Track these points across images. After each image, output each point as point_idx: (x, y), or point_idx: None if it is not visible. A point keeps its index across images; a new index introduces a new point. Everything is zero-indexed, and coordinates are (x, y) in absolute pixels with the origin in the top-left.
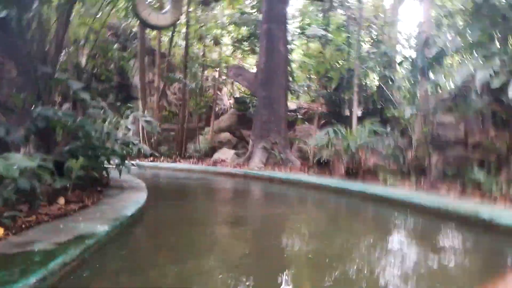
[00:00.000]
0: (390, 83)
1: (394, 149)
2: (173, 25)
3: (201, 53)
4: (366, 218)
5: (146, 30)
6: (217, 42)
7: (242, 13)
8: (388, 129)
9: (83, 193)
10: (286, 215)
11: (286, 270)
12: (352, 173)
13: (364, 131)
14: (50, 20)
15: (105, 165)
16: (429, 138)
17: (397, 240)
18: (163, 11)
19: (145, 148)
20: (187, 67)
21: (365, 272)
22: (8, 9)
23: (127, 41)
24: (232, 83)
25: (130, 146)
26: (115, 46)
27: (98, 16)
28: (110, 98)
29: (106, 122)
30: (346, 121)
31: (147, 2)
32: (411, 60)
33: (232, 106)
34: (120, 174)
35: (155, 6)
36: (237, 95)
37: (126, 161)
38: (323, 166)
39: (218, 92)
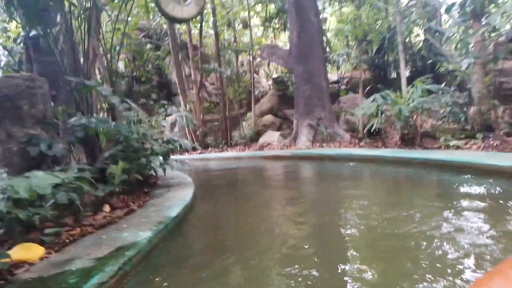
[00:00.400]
0: (437, 35)
1: (453, 107)
2: (199, 15)
3: (232, 39)
4: (435, 190)
5: (175, 25)
6: (246, 25)
7: None
8: (443, 85)
9: (129, 197)
10: (351, 196)
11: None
12: (408, 140)
13: (415, 92)
14: (77, 31)
15: (150, 165)
16: (492, 88)
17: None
18: (187, 2)
19: (186, 143)
20: (220, 56)
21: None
22: (33, 27)
23: (160, 40)
24: (269, 64)
25: (171, 143)
26: (149, 46)
27: (128, 20)
28: (152, 97)
29: (143, 123)
30: (394, 85)
31: None
32: (460, 3)
33: (271, 87)
34: (164, 172)
35: None
36: (275, 76)
37: (169, 159)
38: (375, 136)
39: (255, 75)
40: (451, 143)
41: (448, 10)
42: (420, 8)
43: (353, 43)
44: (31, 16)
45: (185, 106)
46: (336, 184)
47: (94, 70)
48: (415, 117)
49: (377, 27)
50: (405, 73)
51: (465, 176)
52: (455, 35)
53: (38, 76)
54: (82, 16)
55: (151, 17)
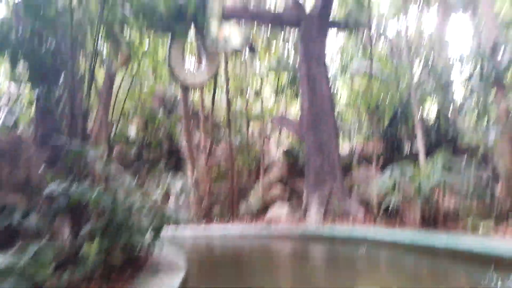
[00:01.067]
0: (452, 107)
1: (477, 183)
2: (210, 80)
3: (244, 107)
4: None
5: (188, 92)
6: (258, 93)
7: (279, 59)
8: (464, 161)
9: (108, 282)
10: None
11: None
12: (429, 219)
13: (436, 166)
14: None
15: (137, 243)
16: None
17: None
18: (199, 69)
19: (178, 216)
20: (230, 123)
21: None
22: (36, 87)
23: (174, 106)
24: (280, 133)
25: (163, 216)
26: (162, 112)
27: (144, 86)
28: (160, 164)
29: (134, 193)
30: (408, 159)
31: (182, 62)
32: (479, 72)
33: (281, 156)
34: (153, 250)
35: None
36: (285, 145)
37: (160, 235)
38: (392, 214)
39: (266, 144)
40: (480, 226)
41: (469, 79)
42: (434, 80)
43: (365, 114)
44: (35, 75)
45: (193, 174)
46: (348, 281)
47: (101, 133)
48: (436, 195)
49: (388, 100)
50: (422, 145)
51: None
52: (473, 106)
53: (26, 139)
54: (86, 76)
55: (168, 85)
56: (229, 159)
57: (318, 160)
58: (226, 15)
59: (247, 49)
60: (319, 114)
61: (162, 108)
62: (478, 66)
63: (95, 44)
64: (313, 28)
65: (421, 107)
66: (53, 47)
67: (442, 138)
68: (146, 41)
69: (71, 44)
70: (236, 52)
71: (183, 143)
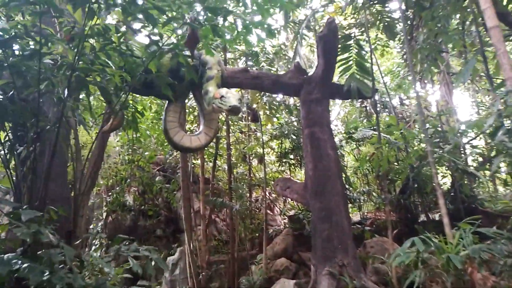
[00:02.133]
0: (470, 173)
1: None
2: (208, 145)
3: (246, 174)
4: None
5: (188, 157)
6: (261, 160)
7: (281, 125)
8: (494, 229)
9: None
10: None
11: None
12: None
13: (466, 237)
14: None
15: None
16: None
17: None
18: (196, 132)
19: None
20: (232, 190)
21: None
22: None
23: (174, 174)
24: (285, 201)
25: None
26: (159, 179)
27: (145, 153)
28: (157, 233)
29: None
30: (427, 228)
31: (179, 126)
32: (504, 130)
33: (286, 225)
34: None
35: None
36: (291, 213)
37: None
38: None
39: (270, 212)
40: None
41: (492, 136)
42: (445, 146)
43: (374, 182)
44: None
45: (191, 244)
46: None
47: (86, 199)
48: (469, 269)
49: (398, 166)
50: (445, 213)
51: None
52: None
53: None
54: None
55: (169, 153)
56: (230, 228)
57: (325, 228)
58: (226, 77)
59: (250, 118)
60: (325, 179)
61: (161, 175)
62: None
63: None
64: (314, 91)
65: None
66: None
67: (458, 207)
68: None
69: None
70: (237, 116)
71: (182, 211)
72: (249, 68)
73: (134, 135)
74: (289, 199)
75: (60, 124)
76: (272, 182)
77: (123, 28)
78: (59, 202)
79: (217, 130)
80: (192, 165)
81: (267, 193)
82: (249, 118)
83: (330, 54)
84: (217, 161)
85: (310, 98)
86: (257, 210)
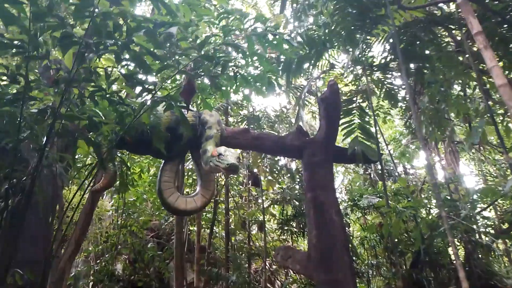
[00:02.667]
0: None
1: None
2: (204, 207)
3: (245, 242)
4: None
5: (183, 222)
6: (261, 227)
7: (283, 190)
8: None
9: None
10: None
11: None
12: None
13: None
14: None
15: None
16: None
17: None
18: (192, 194)
19: None
20: (229, 260)
21: None
22: None
23: (169, 241)
24: (286, 273)
25: None
26: (152, 245)
27: (140, 218)
28: None
29: None
30: None
31: (174, 186)
32: None
33: None
34: None
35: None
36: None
37: None
38: None
39: (270, 287)
40: None
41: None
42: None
43: (382, 255)
44: None
45: None
46: None
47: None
48: None
49: (407, 237)
50: None
51: None
52: None
53: None
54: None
55: (164, 218)
56: None
57: None
58: (226, 137)
59: (250, 182)
60: (330, 248)
61: (155, 242)
62: None
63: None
64: (318, 153)
65: (442, 249)
66: None
67: (477, 281)
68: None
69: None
70: (238, 180)
71: (174, 283)
72: (250, 129)
73: (130, 199)
74: (291, 271)
75: (36, 175)
76: (273, 252)
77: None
78: (32, 265)
79: (214, 192)
80: (188, 232)
81: (267, 264)
82: (250, 182)
83: (332, 116)
84: (214, 228)
85: (313, 160)
86: (257, 284)
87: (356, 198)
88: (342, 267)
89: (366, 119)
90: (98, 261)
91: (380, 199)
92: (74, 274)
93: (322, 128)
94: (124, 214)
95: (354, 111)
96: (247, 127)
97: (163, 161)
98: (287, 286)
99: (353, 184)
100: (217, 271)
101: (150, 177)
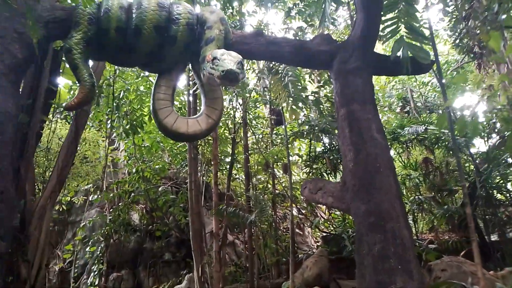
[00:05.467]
0: None
1: None
2: (211, 131)
3: (268, 184)
4: None
5: (197, 162)
6: (286, 168)
7: (309, 120)
8: None
9: None
10: None
11: None
12: None
13: None
14: None
15: None
16: None
17: None
18: (196, 115)
19: None
20: (250, 202)
21: None
22: None
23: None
24: (315, 215)
25: None
26: (167, 193)
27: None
28: (165, 257)
29: None
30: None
31: (171, 106)
32: None
33: (319, 246)
34: None
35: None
36: (325, 232)
37: None
38: None
39: (299, 232)
40: None
41: None
42: None
43: (427, 193)
44: None
45: (202, 272)
46: None
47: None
48: None
49: (458, 174)
50: None
51: None
52: None
53: None
54: None
55: (181, 164)
56: (249, 252)
57: (377, 241)
58: (233, 43)
59: (273, 121)
60: (372, 171)
61: (174, 192)
62: None
63: None
64: (352, 58)
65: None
66: None
67: None
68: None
69: None
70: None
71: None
72: (264, 32)
73: (145, 145)
74: (323, 210)
75: None
76: (300, 194)
77: None
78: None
79: (222, 111)
80: (204, 175)
81: (294, 210)
82: (272, 121)
83: (372, 7)
84: (233, 171)
85: (347, 68)
86: (283, 230)
87: (396, 131)
88: (387, 194)
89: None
90: (112, 209)
91: (428, 128)
92: (85, 224)
93: (358, 24)
94: (139, 162)
95: (400, 5)
96: (259, 30)
97: (157, 75)
98: (316, 225)
99: (388, 126)
100: (234, 209)
101: None
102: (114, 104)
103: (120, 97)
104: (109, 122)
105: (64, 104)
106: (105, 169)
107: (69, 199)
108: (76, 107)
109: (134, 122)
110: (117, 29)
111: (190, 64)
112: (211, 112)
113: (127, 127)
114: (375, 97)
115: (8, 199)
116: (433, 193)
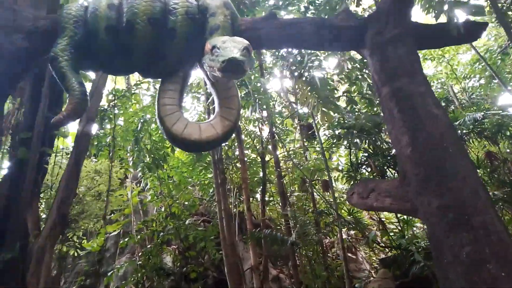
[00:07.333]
0: None
1: None
2: (228, 137)
3: (306, 202)
4: None
5: (225, 188)
6: (327, 186)
7: (343, 118)
8: None
9: None
10: None
11: None
12: None
13: None
14: None
15: None
16: None
17: None
18: (209, 119)
19: None
20: (289, 221)
21: None
22: None
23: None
24: (367, 234)
25: None
26: (189, 223)
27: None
28: None
29: None
30: None
31: (180, 111)
32: None
33: (378, 270)
34: None
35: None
36: (382, 255)
37: None
38: None
39: (351, 256)
40: None
41: None
42: None
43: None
44: None
45: None
46: None
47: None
48: None
49: None
50: None
51: None
52: None
53: None
54: None
55: (210, 195)
56: (296, 286)
57: (462, 243)
58: (244, 29)
59: (304, 135)
60: (438, 155)
61: (205, 227)
62: None
63: None
64: (388, 26)
65: None
66: None
67: None
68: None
69: None
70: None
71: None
72: (275, 14)
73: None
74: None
75: None
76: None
77: None
78: None
79: (240, 111)
80: (234, 205)
81: (340, 227)
82: (303, 136)
83: None
84: (266, 193)
85: (384, 38)
86: (333, 257)
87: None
88: (465, 179)
89: None
90: (140, 253)
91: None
92: (113, 272)
93: None
94: (166, 198)
95: None
96: (273, 12)
97: (160, 80)
98: (373, 239)
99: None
100: (269, 231)
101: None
102: (133, 138)
103: (139, 129)
104: (130, 159)
105: (52, 120)
106: (131, 213)
107: (99, 248)
108: (65, 121)
109: (156, 156)
110: (107, 28)
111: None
112: (226, 113)
113: (149, 161)
114: None
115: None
116: (505, 191)
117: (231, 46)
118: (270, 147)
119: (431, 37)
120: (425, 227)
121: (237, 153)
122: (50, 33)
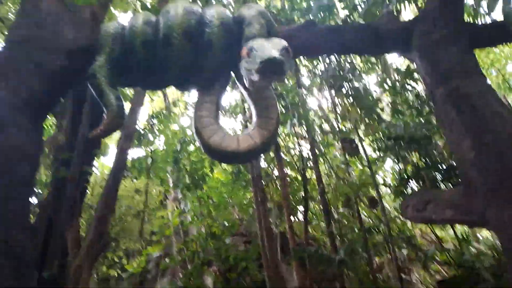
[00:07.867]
0: None
1: None
2: (269, 146)
3: (352, 220)
4: None
5: (266, 207)
6: (374, 203)
7: (388, 129)
8: None
9: None
10: None
11: None
12: None
13: None
14: None
15: None
16: None
17: None
18: (247, 130)
19: None
20: (334, 241)
21: None
22: None
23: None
24: (420, 252)
25: None
26: (229, 244)
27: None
28: None
29: None
30: None
31: (216, 123)
32: None
33: None
34: None
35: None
36: (439, 277)
37: None
38: None
39: (404, 277)
40: None
41: None
42: None
43: None
44: None
45: None
46: None
47: None
48: None
49: None
50: None
51: None
52: None
53: None
54: None
55: (249, 213)
56: None
57: None
58: (280, 38)
59: (347, 151)
60: (508, 158)
61: (246, 248)
62: None
63: None
64: (436, 26)
65: None
66: None
67: None
68: None
69: None
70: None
71: None
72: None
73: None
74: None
75: None
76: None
77: None
78: None
79: (279, 121)
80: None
81: (391, 245)
82: (345, 151)
83: None
84: (309, 212)
85: (433, 39)
86: (384, 278)
87: None
88: None
89: None
90: (182, 275)
91: None
92: None
93: None
94: (206, 218)
95: None
96: (312, 19)
97: (197, 93)
98: (432, 255)
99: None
100: (315, 249)
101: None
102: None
103: (178, 150)
104: (170, 180)
105: (89, 134)
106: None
107: (140, 269)
108: (103, 134)
109: (196, 176)
110: (144, 43)
111: (233, 74)
112: (265, 123)
113: (189, 181)
114: None
115: (14, 251)
116: None
117: (269, 47)
118: (311, 163)
119: (485, 35)
120: (484, 243)
121: (276, 172)
122: (90, 52)
